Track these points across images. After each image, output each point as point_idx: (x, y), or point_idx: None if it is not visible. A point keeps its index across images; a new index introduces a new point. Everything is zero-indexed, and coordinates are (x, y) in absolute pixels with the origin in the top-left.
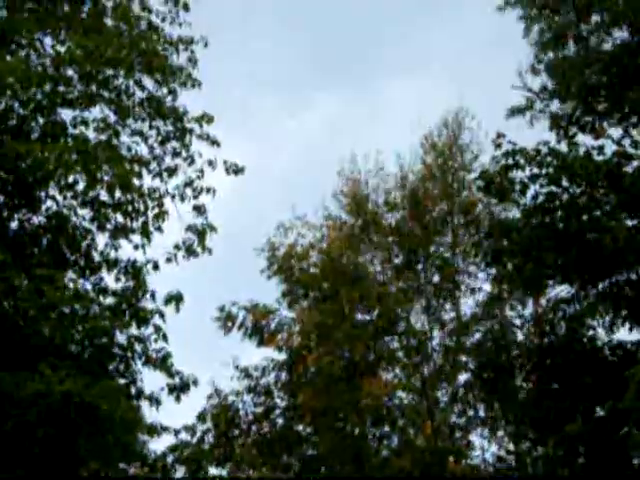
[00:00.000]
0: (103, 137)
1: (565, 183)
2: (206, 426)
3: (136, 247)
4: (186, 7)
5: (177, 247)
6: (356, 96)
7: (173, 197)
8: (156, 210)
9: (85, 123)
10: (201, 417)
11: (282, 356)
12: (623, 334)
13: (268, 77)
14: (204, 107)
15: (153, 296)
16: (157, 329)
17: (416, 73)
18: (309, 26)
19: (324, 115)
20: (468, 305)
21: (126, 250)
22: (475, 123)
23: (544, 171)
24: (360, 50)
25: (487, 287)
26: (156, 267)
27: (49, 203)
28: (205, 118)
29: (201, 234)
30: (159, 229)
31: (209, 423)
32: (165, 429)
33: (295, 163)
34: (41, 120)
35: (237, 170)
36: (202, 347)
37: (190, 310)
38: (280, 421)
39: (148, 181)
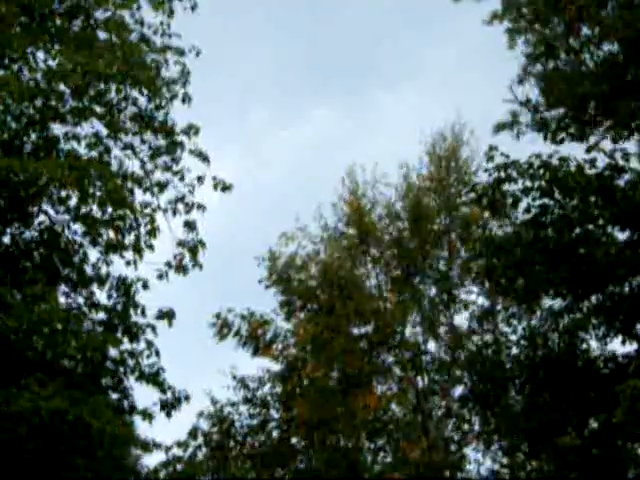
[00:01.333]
0: (95, 153)
1: (557, 196)
2: (198, 442)
3: (128, 263)
4: (171, 14)
5: (169, 265)
6: (350, 108)
7: (165, 211)
8: (148, 226)
9: (77, 138)
10: (192, 433)
11: (277, 366)
12: (616, 346)
13: (262, 89)
14: (197, 118)
15: (143, 312)
16: (149, 344)
17: (412, 85)
18: (304, 38)
19: (318, 127)
20: (463, 318)
21: (118, 266)
22: (474, 138)
23: (536, 184)
24: (354, 62)
25: (481, 301)
26: (145, 286)
27: (42, 218)
28: (192, 129)
29: (192, 250)
30: (151, 246)
31: (200, 439)
32: (158, 445)
33: (289, 175)
34: (33, 135)
35: (225, 187)
36: (196, 358)
37: (184, 321)
38: (275, 433)
39: (139, 196)
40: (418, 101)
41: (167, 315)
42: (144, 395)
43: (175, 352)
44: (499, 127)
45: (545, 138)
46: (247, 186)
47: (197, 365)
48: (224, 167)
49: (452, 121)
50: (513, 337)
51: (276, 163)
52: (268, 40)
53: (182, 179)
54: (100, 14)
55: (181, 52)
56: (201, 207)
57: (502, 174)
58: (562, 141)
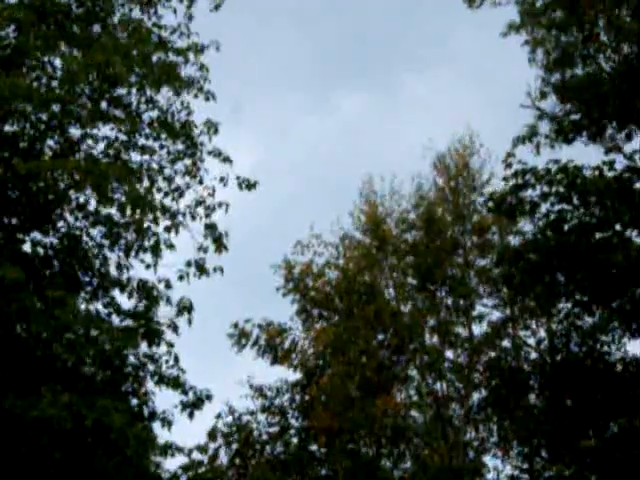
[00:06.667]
0: (113, 154)
1: (576, 201)
2: (218, 443)
3: (148, 266)
4: (190, 18)
5: (189, 264)
6: (380, 92)
7: (184, 215)
8: (168, 226)
9: (95, 140)
10: (211, 435)
11: (296, 375)
12: (637, 349)
13: (292, 75)
14: (222, 110)
15: (169, 300)
16: (169, 345)
17: (439, 70)
18: (329, 26)
19: (346, 113)
20: (482, 324)
21: (138, 269)
22: (485, 149)
23: (554, 189)
24: (381, 48)
25: (499, 312)
26: (168, 286)
27: (61, 224)
28: (211, 126)
29: (217, 241)
30: (171, 246)
31: (220, 440)
32: (179, 450)
33: (315, 161)
34: (51, 142)
35: (250, 185)
36: (215, 365)
37: (202, 327)
38: (294, 441)
39: (159, 198)
40: (449, 85)
41: (187, 308)
42: (164, 400)
43: (194, 359)
44: (518, 140)
45: (558, 136)
46: (272, 175)
47: (215, 371)
48: (249, 156)
49: (461, 133)
50: (531, 341)
51: (304, 150)
52: (295, 27)
53: (201, 182)
54: (117, 17)
55: (201, 49)
56: (222, 205)
57: (520, 180)
58: (574, 139)
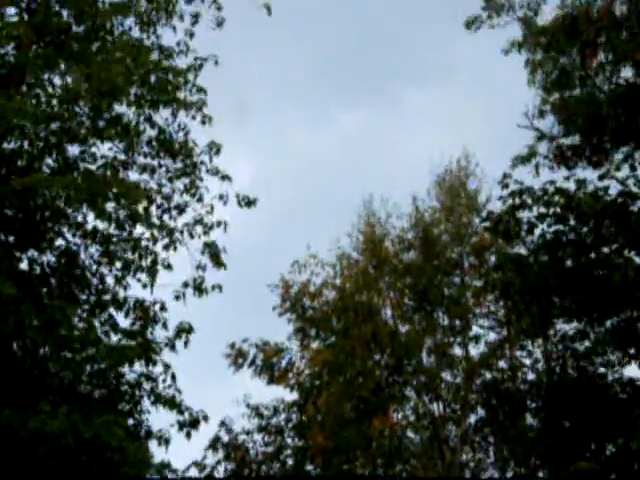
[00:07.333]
0: (110, 173)
1: (572, 222)
2: (216, 458)
3: (144, 286)
4: (191, 36)
5: (186, 284)
6: (379, 108)
7: (182, 233)
8: (166, 244)
9: (93, 158)
10: (212, 446)
11: (293, 395)
12: (634, 371)
13: (290, 89)
14: (222, 125)
15: (165, 325)
16: (166, 367)
17: (441, 85)
18: (329, 40)
19: (345, 127)
20: (479, 345)
21: (135, 288)
22: (480, 169)
23: (551, 210)
24: (381, 62)
25: (496, 327)
26: (163, 308)
27: (59, 242)
28: (213, 147)
29: (215, 257)
30: (168, 267)
31: (220, 454)
32: (174, 472)
33: (314, 176)
34: (50, 160)
35: (249, 202)
36: (212, 384)
37: (199, 345)
38: (290, 461)
39: (157, 214)
40: (449, 99)
41: (185, 330)
42: (160, 419)
43: (190, 377)
44: (517, 160)
45: (560, 164)
46: (270, 189)
47: (212, 390)
48: (248, 170)
49: (457, 155)
50: (527, 361)
51: (303, 164)
52: (295, 40)
53: (200, 200)
54: (116, 36)
55: (200, 65)
56: (221, 224)
57: (517, 201)
58: (574, 165)
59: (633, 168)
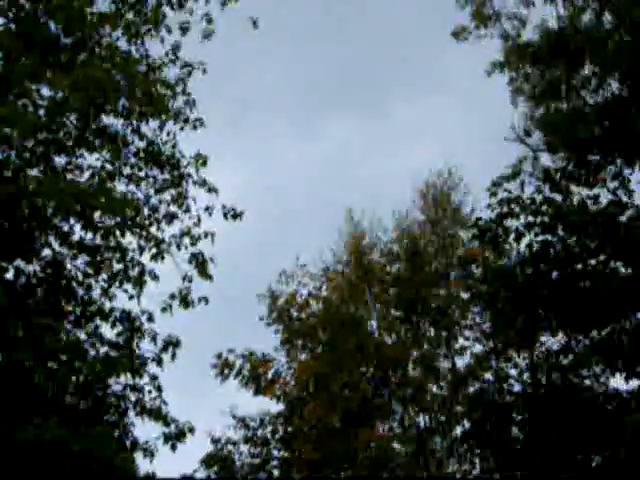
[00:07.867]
0: (98, 183)
1: (560, 232)
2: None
3: (131, 297)
4: (177, 47)
5: (172, 296)
6: (367, 120)
7: (169, 244)
8: (154, 254)
9: (80, 169)
10: (207, 461)
11: (279, 406)
12: (620, 382)
13: (277, 102)
14: (207, 135)
15: (154, 339)
16: (153, 378)
17: (429, 97)
18: (317, 52)
19: (333, 140)
20: (465, 356)
21: (122, 299)
22: (464, 183)
23: (539, 220)
24: (369, 75)
25: (482, 338)
26: (150, 319)
27: (46, 252)
28: (200, 159)
29: (201, 265)
30: (155, 277)
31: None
32: None
33: (301, 187)
34: (36, 171)
35: (236, 215)
36: (197, 394)
37: (185, 356)
38: (276, 472)
39: (144, 225)
40: (437, 112)
41: (172, 344)
42: (146, 430)
43: (176, 388)
44: (502, 179)
45: (551, 190)
46: (258, 203)
47: (198, 400)
48: (234, 182)
49: (441, 168)
50: (513, 372)
51: (290, 178)
52: (283, 53)
53: (187, 211)
54: (105, 48)
55: (188, 73)
56: (208, 235)
57: (505, 209)
58: (568, 188)
59: (623, 185)
